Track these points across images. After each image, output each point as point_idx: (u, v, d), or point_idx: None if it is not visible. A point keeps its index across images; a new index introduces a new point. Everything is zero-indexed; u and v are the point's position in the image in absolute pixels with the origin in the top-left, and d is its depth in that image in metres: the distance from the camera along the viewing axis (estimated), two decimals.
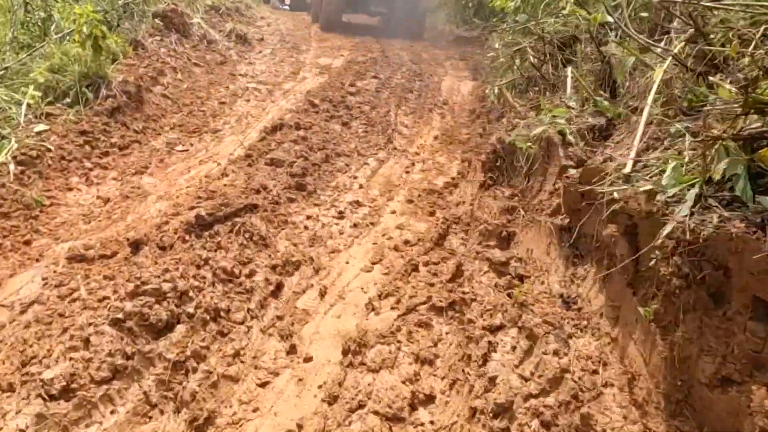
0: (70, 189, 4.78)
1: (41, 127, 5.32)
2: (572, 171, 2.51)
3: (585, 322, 2.10)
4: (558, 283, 2.38)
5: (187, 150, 5.61)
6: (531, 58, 4.13)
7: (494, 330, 2.19)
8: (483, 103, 6.53)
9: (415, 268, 3.17)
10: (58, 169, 4.99)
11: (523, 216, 2.83)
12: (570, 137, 2.71)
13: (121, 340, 2.51)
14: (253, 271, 3.19)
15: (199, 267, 3.19)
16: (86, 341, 2.53)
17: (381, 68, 8.16)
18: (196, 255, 3.40)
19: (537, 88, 4.15)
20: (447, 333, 2.46)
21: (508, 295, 2.39)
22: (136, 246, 3.83)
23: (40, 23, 7.19)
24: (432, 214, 3.94)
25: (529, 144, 2.90)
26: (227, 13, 12.35)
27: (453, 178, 4.51)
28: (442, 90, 7.41)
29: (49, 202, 4.52)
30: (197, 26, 9.19)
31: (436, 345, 2.42)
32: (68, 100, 5.71)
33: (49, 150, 5.07)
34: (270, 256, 3.53)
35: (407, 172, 4.83)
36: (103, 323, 2.63)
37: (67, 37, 6.55)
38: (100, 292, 3.39)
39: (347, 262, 3.39)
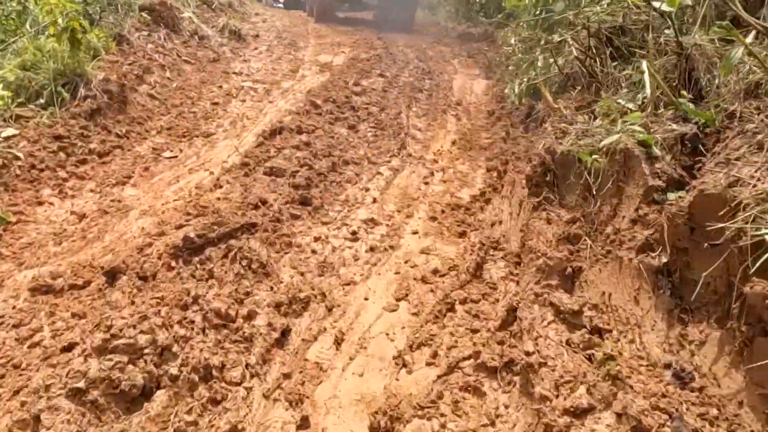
0: (41, 203, 4.18)
1: (10, 131, 4.70)
2: (671, 195, 1.95)
3: (715, 411, 1.54)
4: (659, 345, 1.81)
5: (175, 156, 5.01)
6: (574, 51, 3.56)
7: (580, 413, 1.62)
8: (502, 104, 5.95)
9: (451, 308, 2.60)
10: (28, 180, 4.38)
11: (591, 247, 2.27)
12: (656, 149, 2.14)
13: (81, 418, 1.91)
14: (252, 313, 2.60)
15: (185, 308, 2.60)
16: (36, 419, 1.93)
17: (386, 66, 7.57)
18: (182, 290, 2.80)
19: (579, 87, 3.59)
20: (507, 406, 1.89)
21: (588, 358, 1.83)
22: (112, 275, 3.23)
23: (14, 16, 6.59)
24: (461, 235, 3.36)
25: (596, 157, 2.34)
26: (220, 8, 11.73)
27: (480, 191, 3.93)
28: (454, 89, 6.84)
29: (15, 219, 3.93)
30: (188, 21, 8.57)
31: (493, 424, 1.85)
32: (42, 100, 5.10)
33: (17, 158, 4.47)
34: (272, 288, 2.94)
35: (426, 183, 4.25)
36: (61, 392, 2.03)
37: (45, 32, 5.92)
38: (66, 335, 2.80)
39: (366, 298, 2.81)
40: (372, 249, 3.28)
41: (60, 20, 5.15)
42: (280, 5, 31.21)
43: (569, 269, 2.26)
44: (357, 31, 12.16)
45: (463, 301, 2.62)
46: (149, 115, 5.63)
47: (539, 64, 5.33)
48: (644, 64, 2.59)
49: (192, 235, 3.38)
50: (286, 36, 10.94)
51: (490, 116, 5.79)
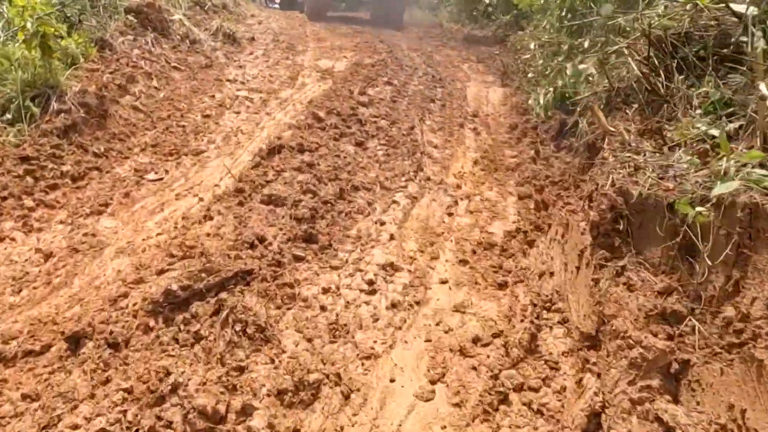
0: (1, 239, 3.58)
1: None
2: None
3: None
4: None
5: (160, 179, 4.42)
6: (632, 63, 2.97)
7: None
8: (525, 117, 5.38)
9: (504, 398, 2.01)
10: None
11: (701, 333, 1.69)
12: None
13: None
14: (247, 407, 2.01)
15: (161, 401, 2.00)
16: None
17: (393, 72, 6.99)
18: (159, 369, 2.21)
19: (634, 105, 3.01)
20: None
21: None
22: (76, 341, 2.65)
23: None
24: (501, 286, 2.78)
25: (702, 210, 1.77)
26: (213, 9, 11.12)
27: (516, 227, 3.35)
28: (469, 98, 6.26)
29: None
30: (178, 24, 7.97)
31: None
32: (8, 116, 4.50)
33: None
34: (273, 361, 2.36)
35: (450, 214, 3.66)
36: None
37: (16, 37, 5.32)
38: (12, 425, 2.22)
39: (392, 380, 2.22)
40: (394, 305, 2.69)
41: (29, 24, 4.54)
42: (276, 6, 30.70)
43: (673, 364, 1.68)
44: (357, 33, 11.57)
45: (519, 388, 2.04)
46: (132, 130, 5.03)
47: (568, 72, 4.75)
48: (762, 86, 2.02)
49: (175, 287, 2.79)
50: (284, 39, 10.35)
51: (513, 130, 5.21)
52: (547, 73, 5.33)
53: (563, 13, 5.40)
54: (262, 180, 4.04)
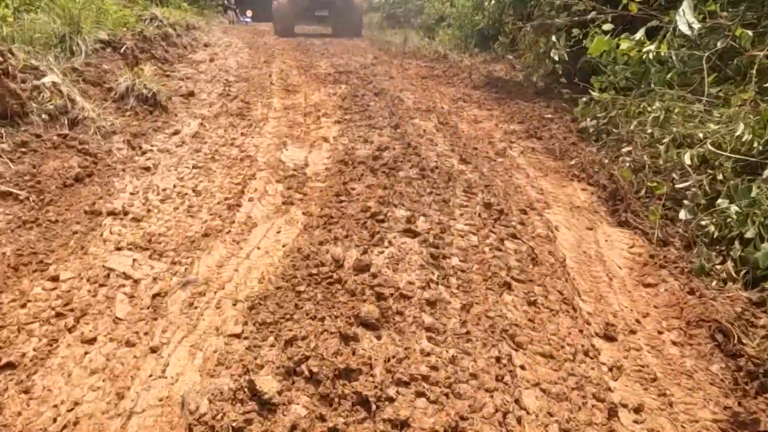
0: None
1: None
2: None
3: None
4: None
5: None
6: None
7: None
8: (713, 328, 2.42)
9: None
10: None
11: None
12: None
13: None
14: None
15: None
16: None
17: (409, 189, 3.92)
18: None
19: None
20: None
21: None
22: None
23: None
24: None
25: None
26: (139, 48, 8.03)
27: None
28: (574, 271, 3.17)
29: None
30: (51, 91, 4.88)
31: None
32: None
33: None
34: None
35: None
36: None
37: None
38: None
39: None
40: None
41: None
42: (248, 20, 27.60)
43: None
44: (340, 77, 8.58)
45: None
46: None
47: None
48: None
49: None
50: (237, 90, 7.31)
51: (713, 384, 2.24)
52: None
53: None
54: None
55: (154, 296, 2.82)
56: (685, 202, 3.39)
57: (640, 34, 4.61)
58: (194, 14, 17.77)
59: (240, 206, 3.79)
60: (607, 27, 4.96)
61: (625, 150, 4.29)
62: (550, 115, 6.22)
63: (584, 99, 5.48)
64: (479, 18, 9.97)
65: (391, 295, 2.64)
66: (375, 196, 3.72)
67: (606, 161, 4.42)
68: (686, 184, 3.44)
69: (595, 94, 5.36)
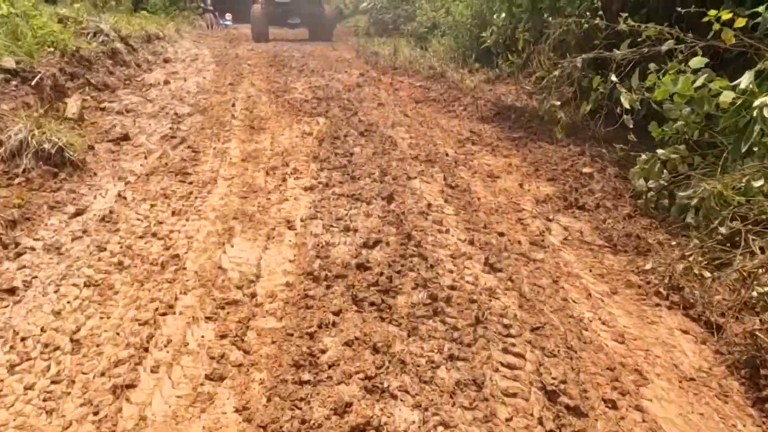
0: None
1: None
2: None
3: None
4: None
5: None
6: None
7: None
8: None
9: None
10: None
11: None
12: None
13: None
14: None
15: None
16: None
17: (418, 343, 2.47)
18: None
19: None
20: None
21: None
22: None
23: None
24: None
25: None
26: (68, 75, 6.47)
27: None
28: None
29: None
30: None
31: None
32: None
33: None
34: None
35: None
36: None
37: None
38: None
39: None
40: None
41: None
42: (228, 22, 25.89)
43: None
44: (320, 100, 7.09)
45: None
46: None
47: None
48: None
49: None
50: (188, 128, 5.79)
51: None
52: None
53: None
54: None
55: None
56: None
57: (747, 80, 3.17)
58: (164, 20, 16.09)
59: (134, 387, 2.26)
60: (696, 62, 3.50)
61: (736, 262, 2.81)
62: (588, 169, 4.75)
63: (644, 156, 4.01)
64: (486, 34, 8.46)
65: None
66: (360, 371, 2.22)
67: (707, 276, 2.94)
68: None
69: (661, 151, 3.90)
